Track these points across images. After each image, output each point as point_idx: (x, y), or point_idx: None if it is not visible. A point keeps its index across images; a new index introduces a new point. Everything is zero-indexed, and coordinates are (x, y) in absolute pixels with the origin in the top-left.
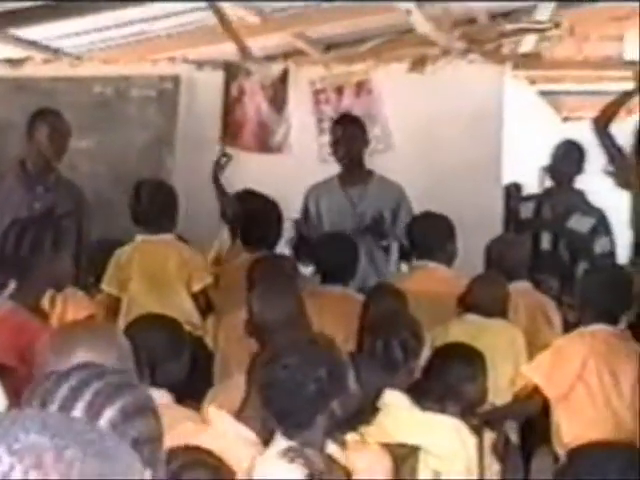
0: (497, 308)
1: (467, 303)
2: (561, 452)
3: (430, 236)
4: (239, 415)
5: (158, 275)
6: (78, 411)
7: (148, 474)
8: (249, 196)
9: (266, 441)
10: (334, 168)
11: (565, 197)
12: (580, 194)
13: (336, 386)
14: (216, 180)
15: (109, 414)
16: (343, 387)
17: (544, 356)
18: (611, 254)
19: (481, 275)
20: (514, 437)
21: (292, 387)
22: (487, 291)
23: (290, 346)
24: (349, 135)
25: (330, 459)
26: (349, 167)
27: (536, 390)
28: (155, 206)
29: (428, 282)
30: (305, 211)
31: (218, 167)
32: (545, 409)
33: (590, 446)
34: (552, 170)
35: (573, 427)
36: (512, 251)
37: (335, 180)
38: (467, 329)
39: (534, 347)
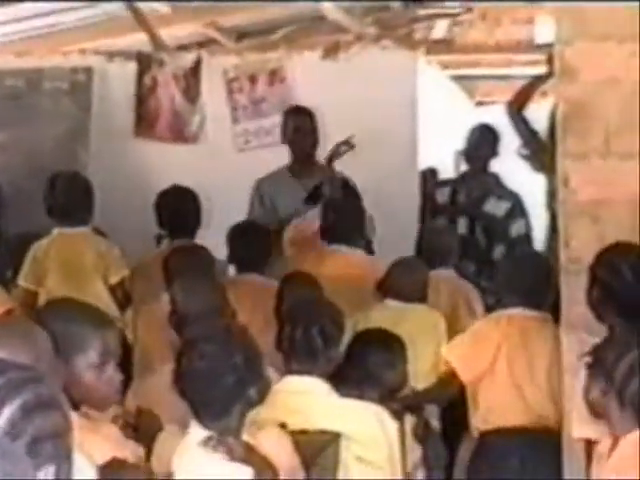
0: (417, 293)
1: (386, 288)
2: (476, 436)
3: (343, 220)
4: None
5: (75, 268)
6: None
7: (51, 471)
8: (171, 189)
9: None
10: (250, 157)
11: (480, 181)
12: (495, 177)
13: (253, 373)
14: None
15: (8, 411)
16: (259, 374)
17: (461, 338)
18: (527, 236)
19: (400, 260)
20: (435, 422)
21: (210, 376)
22: (407, 276)
23: (205, 335)
24: (308, 128)
25: (248, 446)
26: (303, 159)
27: (455, 373)
28: (70, 199)
29: (343, 266)
30: (259, 202)
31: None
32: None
33: (497, 432)
34: (467, 154)
35: (483, 412)
36: (441, 238)
37: (285, 172)
38: (388, 315)
39: (454, 334)
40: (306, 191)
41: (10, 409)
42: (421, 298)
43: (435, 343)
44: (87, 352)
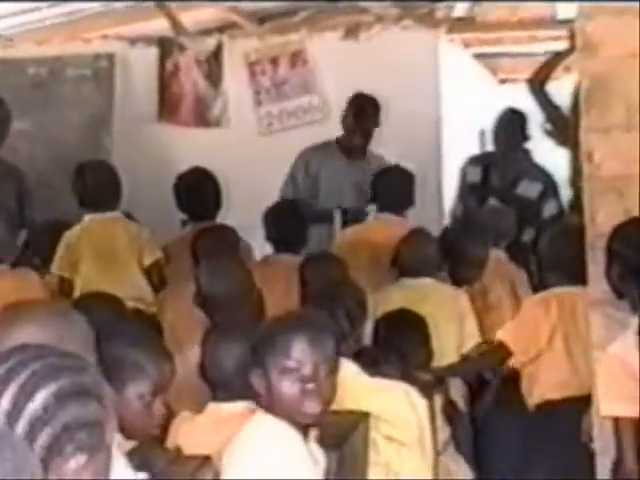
0: (431, 267)
1: (400, 266)
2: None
3: (394, 190)
4: None
5: (108, 253)
6: (9, 393)
7: (82, 460)
8: (189, 171)
9: None
10: (273, 139)
11: (513, 163)
12: (528, 156)
13: None
14: None
15: (41, 397)
16: None
17: (516, 322)
18: (560, 216)
19: (407, 236)
20: (462, 404)
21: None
22: (416, 252)
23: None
24: (369, 115)
25: None
26: (357, 142)
27: (503, 351)
28: (99, 186)
29: (390, 234)
30: (303, 170)
31: None
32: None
33: (557, 403)
34: (497, 138)
35: (543, 386)
36: (499, 219)
37: (334, 148)
38: (407, 294)
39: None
40: (351, 171)
41: (44, 394)
42: (436, 269)
43: (457, 320)
44: (141, 382)
